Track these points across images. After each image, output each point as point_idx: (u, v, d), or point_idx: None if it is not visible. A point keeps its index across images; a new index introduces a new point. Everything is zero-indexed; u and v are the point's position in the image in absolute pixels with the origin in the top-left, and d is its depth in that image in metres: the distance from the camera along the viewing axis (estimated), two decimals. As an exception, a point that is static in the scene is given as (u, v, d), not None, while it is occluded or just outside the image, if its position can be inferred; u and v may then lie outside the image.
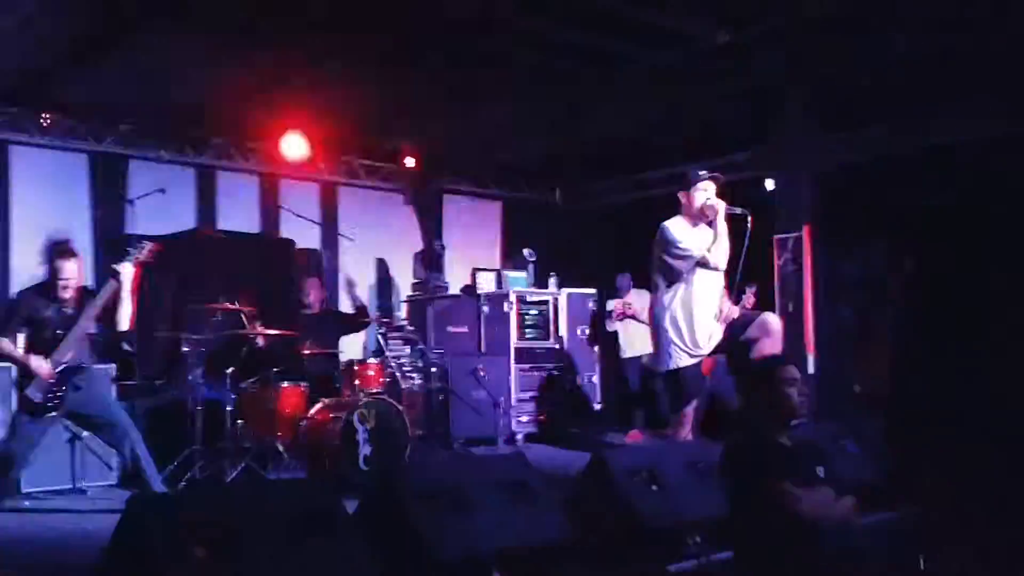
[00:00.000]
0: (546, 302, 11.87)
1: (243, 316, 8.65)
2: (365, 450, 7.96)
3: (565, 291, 12.07)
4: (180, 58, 8.53)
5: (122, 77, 8.99)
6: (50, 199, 9.99)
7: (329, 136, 11.33)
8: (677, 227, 7.17)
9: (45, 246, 6.82)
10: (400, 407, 8.38)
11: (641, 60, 8.94)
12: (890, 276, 10.68)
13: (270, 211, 11.64)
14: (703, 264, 7.07)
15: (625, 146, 11.64)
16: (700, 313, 7.13)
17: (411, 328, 10.91)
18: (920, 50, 8.05)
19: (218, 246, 10.39)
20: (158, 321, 9.49)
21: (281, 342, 8.88)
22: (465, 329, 11.67)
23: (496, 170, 13.17)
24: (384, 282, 12.40)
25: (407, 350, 10.50)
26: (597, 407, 12.09)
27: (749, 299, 9.82)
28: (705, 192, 7.19)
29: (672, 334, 7.16)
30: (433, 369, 10.20)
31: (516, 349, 11.36)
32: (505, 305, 11.46)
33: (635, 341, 11.35)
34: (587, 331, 12.13)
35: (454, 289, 12.17)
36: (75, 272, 6.72)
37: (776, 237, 8.74)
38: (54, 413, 6.62)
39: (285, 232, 11.56)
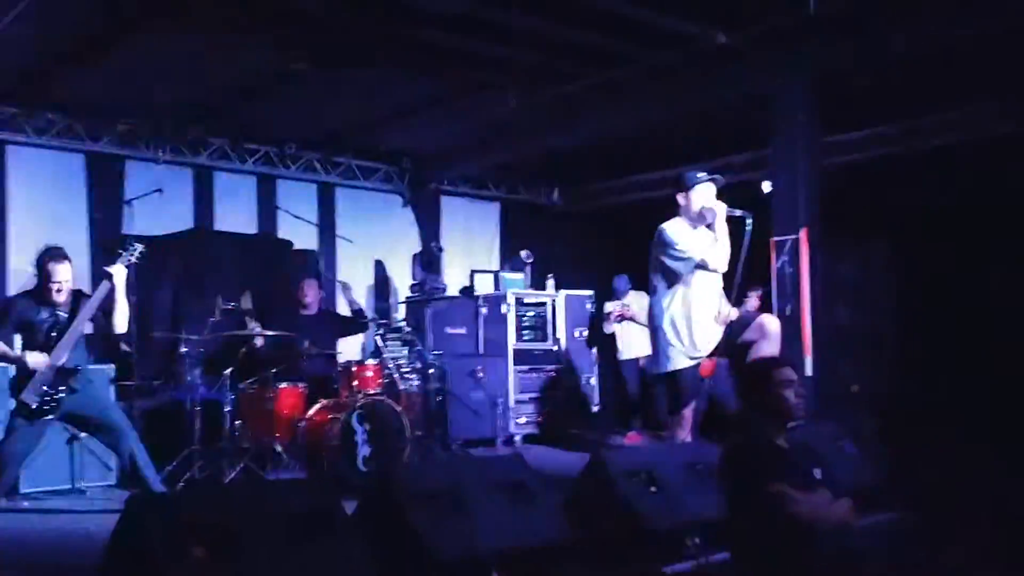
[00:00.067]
0: (544, 304, 11.88)
1: (242, 317, 8.65)
2: (364, 451, 7.96)
3: (563, 293, 12.08)
4: (177, 58, 8.53)
5: (119, 77, 8.99)
6: (47, 199, 9.99)
7: (327, 136, 11.35)
8: (676, 229, 7.14)
9: (37, 252, 6.75)
10: (398, 408, 8.38)
11: (641, 60, 8.93)
12: (890, 276, 10.71)
13: (267, 212, 11.64)
14: (702, 266, 7.06)
15: (623, 147, 11.64)
16: (699, 315, 7.11)
17: (409, 329, 10.90)
18: (920, 50, 8.04)
19: (216, 247, 10.41)
20: (156, 322, 9.51)
21: (279, 343, 8.88)
22: (463, 330, 11.67)
23: (494, 171, 13.16)
24: (382, 283, 12.40)
25: (405, 351, 10.49)
26: (595, 409, 12.09)
27: (753, 302, 9.83)
28: (704, 194, 7.17)
29: (671, 336, 7.14)
30: (431, 370, 10.18)
31: (514, 351, 11.36)
32: (503, 307, 11.46)
33: (633, 343, 11.37)
34: (585, 333, 12.13)
35: (452, 291, 12.16)
36: (68, 275, 6.69)
37: (774, 239, 8.72)
38: (50, 416, 6.60)
39: (283, 233, 11.58)
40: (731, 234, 7.10)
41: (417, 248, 12.50)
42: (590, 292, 12.31)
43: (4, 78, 8.96)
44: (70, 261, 6.76)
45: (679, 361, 7.15)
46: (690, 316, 7.10)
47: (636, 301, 10.97)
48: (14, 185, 9.79)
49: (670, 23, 8.12)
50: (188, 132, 10.57)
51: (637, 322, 10.81)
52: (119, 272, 6.66)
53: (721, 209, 7.07)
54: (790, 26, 8.00)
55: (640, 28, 8.20)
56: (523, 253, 12.25)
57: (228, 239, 10.81)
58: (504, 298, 11.51)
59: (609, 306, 11.71)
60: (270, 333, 8.71)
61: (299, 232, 11.50)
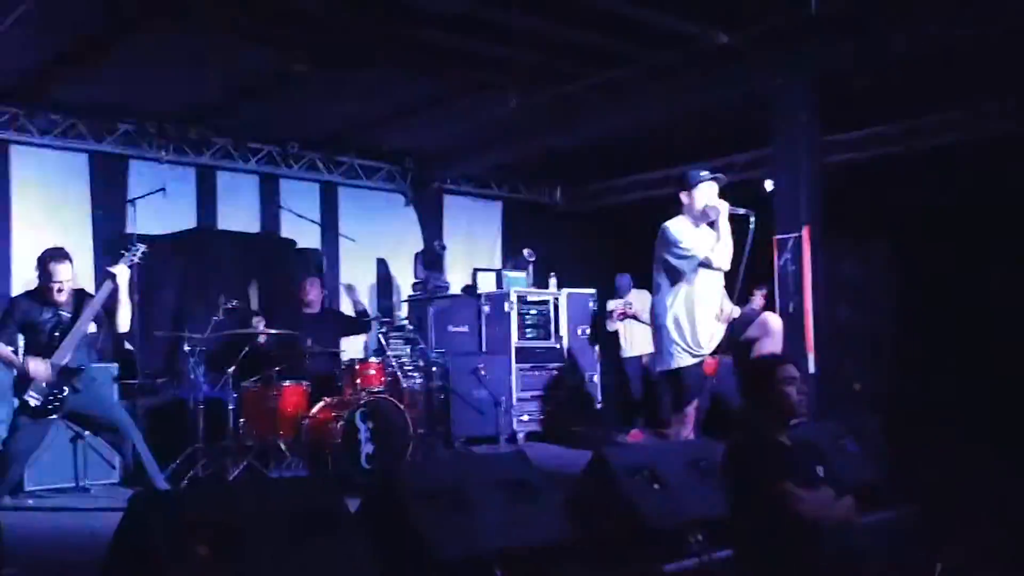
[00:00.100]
0: (546, 302, 11.89)
1: (246, 315, 8.67)
2: (367, 449, 7.98)
3: (565, 291, 12.08)
4: (179, 58, 8.54)
5: (122, 77, 9.00)
6: (51, 199, 10.00)
7: (329, 136, 11.37)
8: (679, 227, 7.17)
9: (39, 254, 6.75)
10: (401, 406, 8.39)
11: (642, 60, 8.94)
12: (890, 276, 10.71)
13: (270, 211, 11.66)
14: (705, 264, 7.08)
15: (625, 146, 11.65)
16: (702, 313, 7.13)
17: (412, 328, 10.92)
18: (920, 50, 8.06)
19: (219, 246, 10.42)
20: (160, 321, 9.53)
21: (282, 341, 8.90)
22: (466, 329, 11.69)
23: (496, 170, 13.18)
24: (385, 282, 12.40)
25: (408, 350, 10.52)
26: (598, 407, 12.10)
27: (758, 300, 9.84)
28: (707, 192, 7.19)
29: (674, 334, 7.16)
30: (434, 368, 10.21)
31: (517, 349, 11.37)
32: (506, 305, 11.48)
33: (636, 341, 11.39)
34: (588, 331, 12.14)
35: (455, 289, 12.17)
36: (69, 274, 6.70)
37: (776, 237, 8.73)
38: (54, 415, 6.62)
39: (285, 232, 11.59)
40: (734, 232, 7.12)
41: (420, 247, 12.50)
42: (593, 290, 12.31)
43: (7, 78, 8.98)
44: (71, 261, 6.78)
45: (682, 359, 7.18)
46: (693, 314, 7.12)
47: (639, 299, 10.99)
48: (18, 185, 9.79)
49: (671, 23, 8.13)
50: (191, 132, 10.58)
51: (640, 320, 10.83)
52: (122, 272, 6.68)
53: (724, 207, 7.09)
54: (790, 26, 8.01)
55: (641, 28, 8.21)
56: (525, 251, 12.26)
57: (231, 238, 10.83)
58: (507, 296, 11.52)
59: (612, 304, 11.73)
60: (273, 331, 8.74)
61: (302, 231, 11.51)
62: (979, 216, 9.50)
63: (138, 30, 8.00)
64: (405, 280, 12.42)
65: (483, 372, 10.76)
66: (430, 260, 12.11)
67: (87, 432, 7.53)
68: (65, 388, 6.57)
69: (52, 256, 6.68)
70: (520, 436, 11.13)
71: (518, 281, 11.95)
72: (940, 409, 8.34)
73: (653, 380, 10.72)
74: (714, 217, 7.10)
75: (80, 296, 6.79)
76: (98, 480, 8.06)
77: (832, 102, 8.76)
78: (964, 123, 9.84)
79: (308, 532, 4.34)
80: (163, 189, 9.71)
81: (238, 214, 11.33)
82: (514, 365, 11.27)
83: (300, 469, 8.26)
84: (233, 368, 8.40)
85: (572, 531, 5.30)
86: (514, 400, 11.10)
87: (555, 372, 11.68)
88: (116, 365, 8.43)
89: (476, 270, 12.35)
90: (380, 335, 9.87)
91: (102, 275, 6.82)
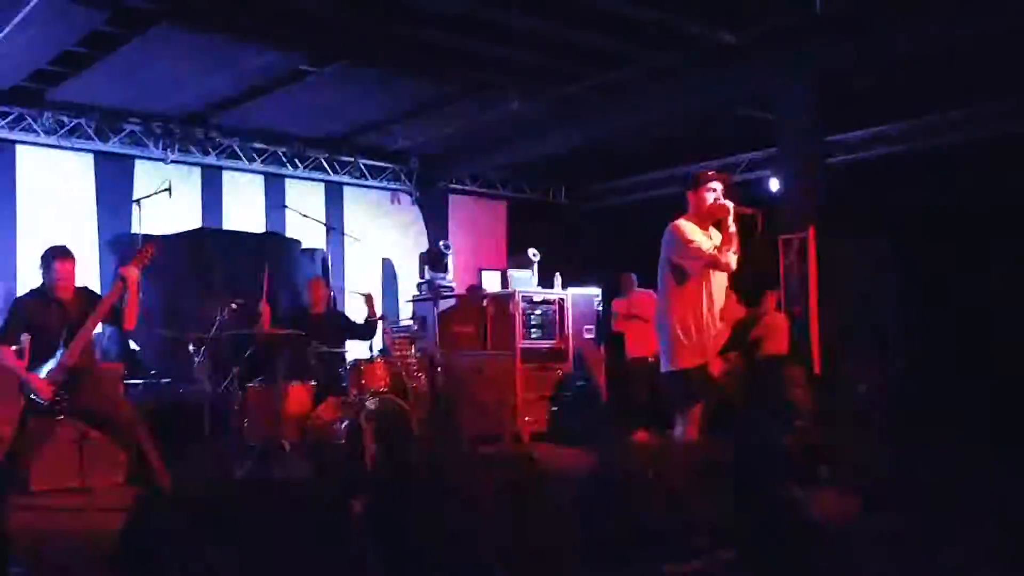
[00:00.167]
0: (551, 302, 11.88)
1: (249, 315, 8.68)
2: (371, 450, 7.99)
3: (570, 291, 12.08)
4: (184, 59, 8.58)
5: (128, 77, 9.04)
6: (56, 199, 10.04)
7: (334, 136, 11.40)
8: (685, 227, 7.15)
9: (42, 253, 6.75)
10: (406, 406, 8.40)
11: (645, 61, 8.96)
12: (890, 276, 10.71)
13: (275, 211, 11.68)
14: (712, 265, 7.08)
15: (629, 147, 11.68)
16: (707, 313, 7.14)
17: (417, 327, 10.93)
18: (922, 50, 8.07)
19: (224, 246, 10.45)
20: (165, 320, 9.55)
21: (287, 341, 8.91)
22: (471, 329, 11.70)
23: (501, 171, 13.20)
24: (390, 281, 12.43)
25: (413, 349, 10.53)
26: (603, 407, 12.10)
27: (769, 302, 9.84)
28: (714, 192, 7.19)
29: (679, 334, 7.17)
30: (439, 368, 10.23)
31: (521, 349, 11.37)
32: (510, 305, 11.48)
33: (640, 341, 11.38)
34: (592, 331, 12.14)
35: (459, 289, 12.19)
36: (72, 273, 6.71)
37: (782, 237, 8.75)
38: (60, 415, 6.64)
39: (291, 232, 11.62)
40: (740, 232, 7.13)
41: (425, 247, 12.53)
42: (597, 290, 12.31)
43: (13, 79, 9.02)
44: (75, 259, 6.80)
45: (687, 359, 7.18)
46: (699, 314, 7.13)
47: (644, 299, 11.00)
48: (24, 185, 9.84)
49: (675, 24, 8.15)
50: (196, 132, 10.62)
51: (644, 320, 10.83)
52: (133, 274, 6.70)
53: (730, 207, 7.10)
54: (793, 26, 8.03)
55: (644, 29, 8.23)
56: (530, 251, 12.26)
57: (236, 238, 10.86)
58: (512, 296, 11.52)
59: (617, 304, 11.73)
60: (278, 331, 8.75)
61: (307, 231, 11.54)
62: (979, 216, 9.50)
63: (144, 32, 8.04)
64: (410, 280, 12.45)
65: (487, 372, 10.77)
66: (435, 260, 12.14)
67: (93, 431, 7.54)
68: (71, 387, 6.58)
69: (56, 255, 6.69)
70: (525, 436, 11.13)
71: (523, 281, 11.95)
72: (940, 409, 8.35)
73: (658, 380, 10.72)
74: (721, 216, 7.10)
75: (86, 295, 6.79)
76: (103, 479, 8.07)
77: (834, 102, 8.78)
78: (965, 123, 9.85)
79: (312, 532, 4.36)
80: (168, 189, 9.74)
81: (243, 214, 11.37)
82: (519, 365, 11.28)
83: (304, 469, 8.27)
84: (238, 368, 8.41)
85: (576, 531, 5.31)
86: (519, 400, 11.11)
87: (560, 372, 11.68)
88: (122, 365, 8.44)
89: (481, 270, 12.37)
90: (385, 335, 9.89)
91: (113, 276, 6.82)
